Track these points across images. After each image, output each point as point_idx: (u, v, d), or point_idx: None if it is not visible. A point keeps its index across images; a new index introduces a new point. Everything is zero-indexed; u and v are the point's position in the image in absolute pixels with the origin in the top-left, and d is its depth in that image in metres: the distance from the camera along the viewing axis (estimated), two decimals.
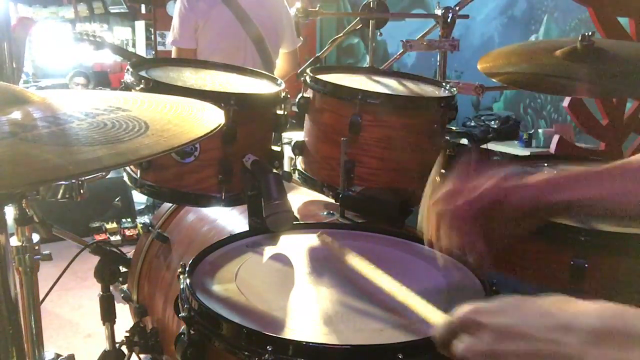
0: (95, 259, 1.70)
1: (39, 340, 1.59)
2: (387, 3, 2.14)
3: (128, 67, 1.38)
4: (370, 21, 2.11)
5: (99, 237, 4.05)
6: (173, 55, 2.77)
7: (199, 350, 0.87)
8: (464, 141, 2.05)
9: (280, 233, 1.21)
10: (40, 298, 1.63)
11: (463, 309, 0.65)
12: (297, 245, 1.17)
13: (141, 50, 5.84)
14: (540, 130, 3.69)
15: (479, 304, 0.64)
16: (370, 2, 2.10)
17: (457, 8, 2.05)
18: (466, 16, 2.14)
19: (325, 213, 1.48)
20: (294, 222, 1.24)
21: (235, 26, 2.67)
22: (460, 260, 0.98)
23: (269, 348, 0.77)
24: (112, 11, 5.89)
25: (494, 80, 1.58)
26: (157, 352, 1.54)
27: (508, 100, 4.33)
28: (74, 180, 1.56)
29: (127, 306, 1.78)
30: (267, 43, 2.74)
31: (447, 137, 1.51)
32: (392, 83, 1.61)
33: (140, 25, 5.90)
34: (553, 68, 1.53)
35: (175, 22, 2.74)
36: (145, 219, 4.18)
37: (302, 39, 3.01)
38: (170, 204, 1.70)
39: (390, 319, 0.88)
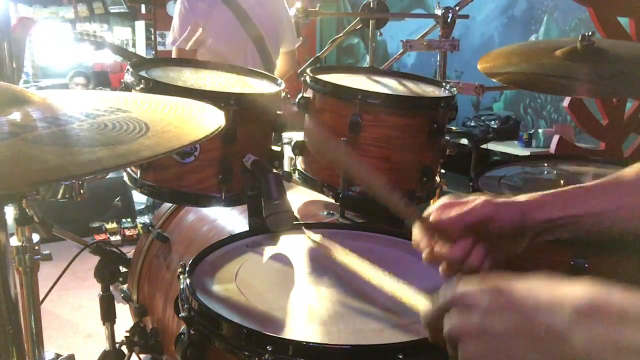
0: (95, 259, 1.70)
1: (39, 340, 1.59)
2: (387, 3, 2.14)
3: (128, 67, 1.38)
4: (370, 21, 2.11)
5: (99, 237, 4.05)
6: (173, 56, 2.77)
7: (199, 350, 0.87)
8: (464, 141, 2.05)
9: (280, 233, 1.21)
10: (40, 298, 1.63)
11: (451, 290, 0.65)
12: (297, 245, 1.17)
13: (141, 50, 5.84)
14: (540, 130, 3.69)
15: (467, 284, 0.64)
16: (370, 2, 2.10)
17: (457, 8, 2.05)
18: (466, 16, 2.14)
19: (325, 213, 1.48)
20: (294, 222, 1.24)
21: (236, 26, 2.67)
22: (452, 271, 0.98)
23: (269, 348, 0.78)
24: (112, 11, 5.89)
25: (494, 80, 1.58)
26: (157, 352, 1.54)
27: (508, 100, 4.33)
28: (74, 181, 1.56)
29: (127, 306, 1.78)
30: (267, 43, 2.74)
31: (447, 137, 1.51)
32: (392, 83, 1.61)
33: (140, 25, 5.91)
34: (553, 68, 1.53)
35: (176, 23, 2.74)
36: (145, 219, 4.18)
37: (301, 38, 3.01)
38: (170, 204, 1.70)
39: (390, 319, 0.88)
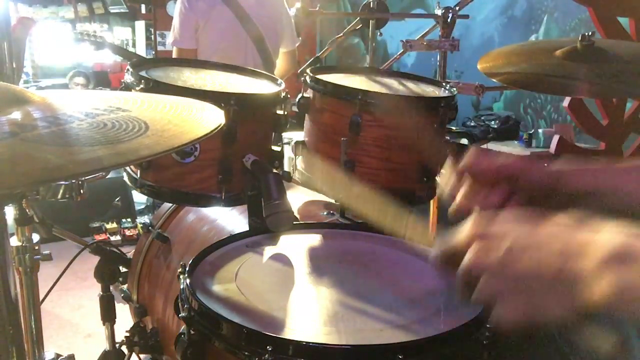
0: (95, 259, 1.69)
1: (39, 340, 1.59)
2: (387, 3, 2.14)
3: (128, 67, 1.38)
4: (370, 21, 2.11)
5: (99, 237, 4.05)
6: (174, 56, 2.77)
7: (199, 350, 0.87)
8: (464, 141, 2.06)
9: (280, 233, 1.21)
10: (40, 298, 1.63)
11: (475, 224, 0.63)
12: (297, 245, 1.17)
13: (141, 50, 5.84)
14: (540, 130, 3.69)
15: (493, 220, 0.62)
16: (370, 2, 2.10)
17: (457, 8, 2.05)
18: (466, 16, 2.14)
19: (325, 213, 1.48)
20: (294, 222, 1.24)
21: (236, 26, 2.67)
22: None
23: (269, 348, 0.77)
24: (112, 11, 5.88)
25: (494, 80, 1.58)
26: (157, 352, 1.54)
27: (508, 100, 4.33)
28: (74, 180, 1.56)
29: (127, 306, 1.78)
30: (267, 43, 2.74)
31: (447, 137, 1.51)
32: (392, 83, 1.61)
33: (140, 25, 5.90)
34: (553, 68, 1.53)
35: (176, 22, 2.74)
36: (145, 219, 4.18)
37: (301, 38, 3.01)
38: (170, 204, 1.70)
39: (390, 319, 0.88)
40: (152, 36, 5.63)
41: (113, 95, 1.01)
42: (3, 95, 0.80)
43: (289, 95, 1.47)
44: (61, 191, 1.59)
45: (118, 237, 4.16)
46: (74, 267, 1.73)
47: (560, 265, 0.56)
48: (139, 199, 4.50)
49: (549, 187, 0.79)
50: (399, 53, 2.30)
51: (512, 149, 3.71)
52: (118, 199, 4.31)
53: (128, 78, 1.35)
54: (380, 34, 2.15)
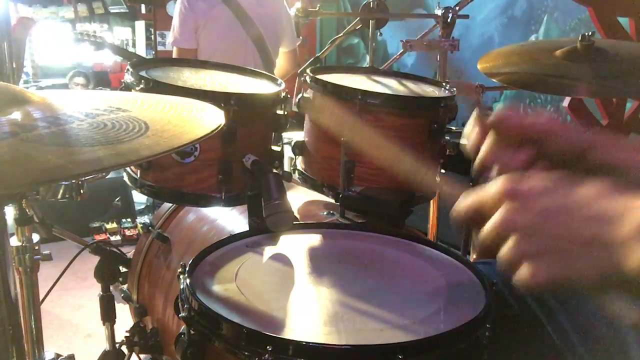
0: (95, 259, 1.70)
1: (39, 340, 1.59)
2: (387, 3, 2.14)
3: (128, 67, 1.38)
4: (370, 21, 2.11)
5: (99, 237, 4.05)
6: (174, 56, 2.77)
7: (199, 350, 0.87)
8: (464, 141, 2.05)
9: (280, 233, 1.21)
10: (40, 298, 1.63)
11: (508, 177, 0.61)
12: (297, 245, 1.17)
13: (141, 50, 5.83)
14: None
15: (526, 179, 0.60)
16: (370, 2, 2.10)
17: (457, 8, 2.05)
18: (466, 16, 2.14)
19: (325, 213, 1.48)
20: (294, 222, 1.24)
21: (236, 26, 2.67)
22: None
23: (269, 348, 0.77)
24: (112, 11, 5.88)
25: (494, 80, 1.58)
26: (157, 352, 1.54)
27: (508, 100, 4.33)
28: (74, 180, 1.56)
29: (127, 306, 1.78)
30: (267, 43, 2.74)
31: (447, 137, 1.51)
32: (392, 83, 1.61)
33: (140, 25, 5.90)
34: (553, 68, 1.53)
35: (176, 22, 2.74)
36: (145, 219, 4.18)
37: (301, 38, 3.01)
38: (170, 204, 1.70)
39: (390, 319, 0.88)
40: (152, 36, 5.63)
41: (113, 95, 1.01)
42: (3, 95, 0.80)
43: (289, 95, 1.47)
44: (61, 191, 1.59)
45: (118, 237, 4.15)
46: (74, 267, 1.73)
47: (596, 230, 0.55)
48: (139, 199, 4.50)
49: (577, 154, 0.75)
50: (399, 53, 2.30)
51: None
52: (118, 199, 4.31)
53: (128, 78, 1.35)
54: (380, 34, 2.15)
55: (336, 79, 1.52)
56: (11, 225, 1.44)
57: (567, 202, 0.57)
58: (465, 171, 1.82)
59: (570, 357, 0.95)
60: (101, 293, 1.68)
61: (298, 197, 1.59)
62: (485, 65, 1.60)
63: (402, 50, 2.15)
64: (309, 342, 0.79)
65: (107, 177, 2.15)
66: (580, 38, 1.50)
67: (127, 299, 1.73)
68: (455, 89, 1.57)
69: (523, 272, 0.58)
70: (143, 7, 5.78)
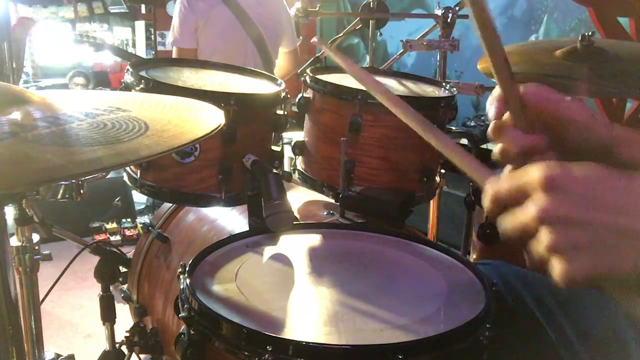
0: (95, 259, 1.69)
1: (39, 340, 1.59)
2: (387, 3, 2.14)
3: (128, 67, 1.38)
4: (370, 21, 2.11)
5: (99, 237, 4.04)
6: (174, 56, 2.77)
7: (199, 350, 0.87)
8: (464, 141, 2.05)
9: (280, 233, 1.21)
10: (40, 298, 1.63)
11: (544, 165, 0.56)
12: (297, 245, 1.17)
13: (141, 50, 5.83)
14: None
15: (564, 166, 0.56)
16: (370, 2, 2.10)
17: (457, 8, 2.05)
18: (466, 16, 2.13)
19: (325, 213, 1.48)
20: (294, 222, 1.24)
21: (236, 26, 2.67)
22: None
23: (269, 348, 0.77)
24: (112, 11, 5.88)
25: (494, 80, 1.58)
26: (157, 352, 1.54)
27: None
28: (73, 180, 1.56)
29: (127, 306, 1.78)
30: (267, 43, 2.74)
31: None
32: (392, 83, 1.61)
33: (140, 25, 5.90)
34: (553, 68, 1.53)
35: (175, 22, 2.74)
36: (145, 219, 4.18)
37: (301, 38, 3.01)
38: (170, 204, 1.70)
39: (390, 319, 0.88)
40: (152, 36, 5.63)
41: (113, 95, 1.01)
42: (3, 95, 0.81)
43: (289, 95, 1.47)
44: (61, 191, 1.59)
45: (118, 237, 4.15)
46: (74, 267, 1.73)
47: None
48: (139, 199, 4.50)
49: (603, 148, 0.69)
50: (399, 53, 2.30)
51: None
52: (118, 199, 4.31)
53: (128, 78, 1.35)
54: (380, 34, 2.15)
55: (336, 79, 1.52)
56: (11, 225, 1.44)
57: (616, 195, 0.54)
58: None
59: (569, 357, 0.95)
60: (101, 293, 1.68)
61: (298, 197, 1.59)
62: (485, 65, 1.60)
63: (402, 50, 2.15)
64: (309, 342, 0.79)
65: (107, 177, 2.15)
66: (580, 38, 1.50)
67: (127, 299, 1.73)
68: (455, 89, 1.57)
69: (560, 267, 0.54)
70: (143, 7, 5.78)
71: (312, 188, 1.52)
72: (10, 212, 1.45)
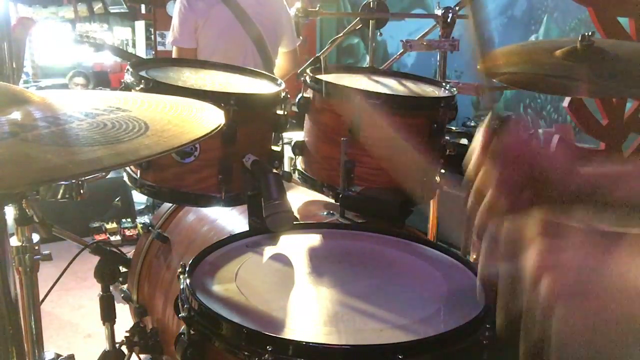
0: (95, 259, 1.69)
1: (39, 340, 1.59)
2: (387, 3, 2.14)
3: (128, 67, 1.38)
4: (370, 21, 2.11)
5: (99, 237, 4.04)
6: (173, 55, 2.77)
7: (199, 350, 0.87)
8: (464, 141, 2.06)
9: (280, 233, 1.21)
10: (40, 298, 1.63)
11: (539, 249, 0.56)
12: (297, 245, 1.17)
13: (141, 50, 5.83)
14: (540, 131, 3.68)
15: (560, 220, 0.57)
16: (370, 2, 2.10)
17: (457, 8, 2.05)
18: (466, 16, 2.13)
19: (325, 213, 1.48)
20: (294, 222, 1.24)
21: (235, 26, 2.67)
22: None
23: (269, 348, 0.77)
24: (112, 11, 5.88)
25: (494, 80, 1.58)
26: (157, 352, 1.54)
27: (508, 100, 4.33)
28: (73, 180, 1.56)
29: (127, 306, 1.78)
30: (267, 43, 2.74)
31: (447, 137, 1.52)
32: (392, 83, 1.61)
33: (140, 25, 5.90)
34: (553, 68, 1.52)
35: (175, 22, 2.74)
36: (145, 219, 4.17)
37: (301, 38, 3.01)
38: (170, 204, 1.70)
39: (390, 319, 0.88)
40: (152, 36, 5.63)
41: (113, 95, 1.01)
42: (3, 95, 0.80)
43: (289, 95, 1.47)
44: (61, 191, 1.59)
45: (118, 237, 4.15)
46: (74, 267, 1.73)
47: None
48: (139, 199, 4.50)
49: (587, 193, 0.67)
50: (399, 53, 2.30)
51: None
52: (118, 199, 4.31)
53: (128, 78, 1.35)
54: (380, 34, 2.15)
55: (336, 79, 1.52)
56: (11, 225, 1.44)
57: (605, 277, 0.53)
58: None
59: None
60: (101, 293, 1.68)
61: (298, 197, 1.59)
62: (486, 65, 1.59)
63: (402, 50, 2.15)
64: (309, 342, 0.79)
65: (107, 177, 2.14)
66: (580, 38, 1.50)
67: (127, 299, 1.73)
68: (455, 89, 1.57)
69: (560, 322, 0.54)
70: (143, 7, 5.78)
71: (312, 188, 1.52)
72: (10, 212, 1.45)
